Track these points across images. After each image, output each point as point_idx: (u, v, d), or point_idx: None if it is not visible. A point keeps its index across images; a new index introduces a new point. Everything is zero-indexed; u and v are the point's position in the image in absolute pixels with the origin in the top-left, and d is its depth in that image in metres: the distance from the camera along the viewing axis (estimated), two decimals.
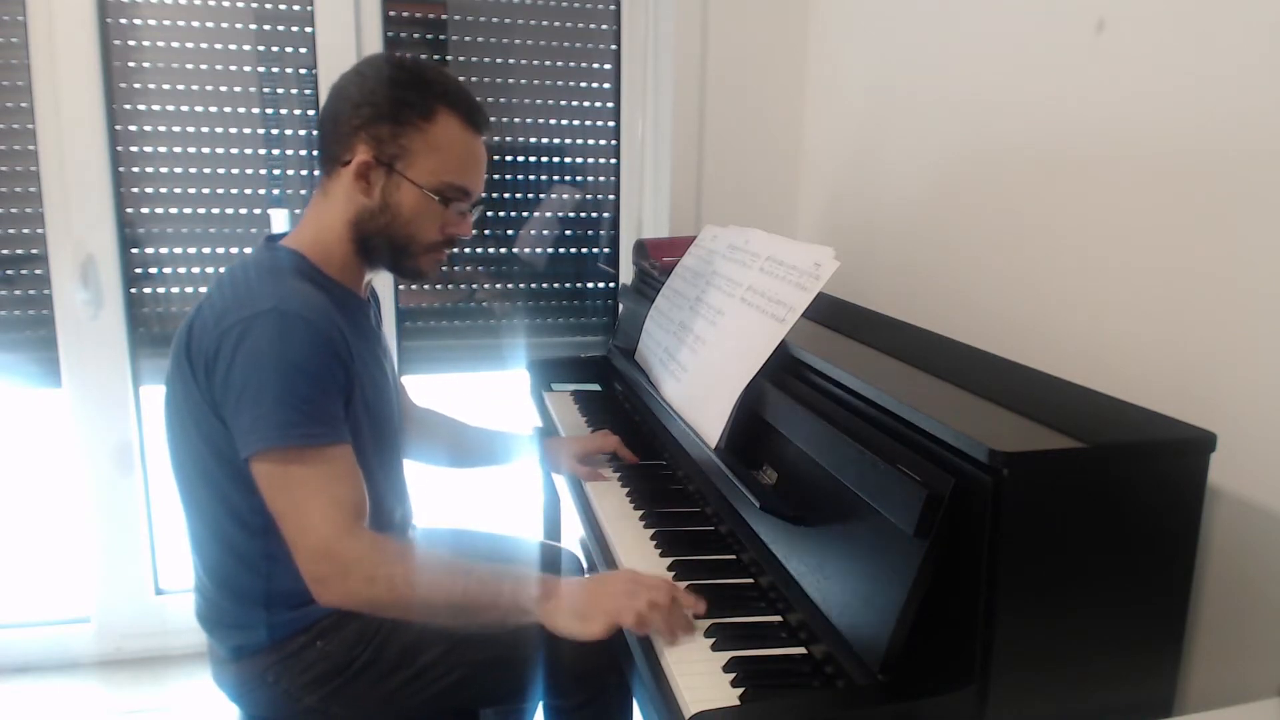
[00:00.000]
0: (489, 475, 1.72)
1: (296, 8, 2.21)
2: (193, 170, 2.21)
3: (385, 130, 1.21)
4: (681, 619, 1.07)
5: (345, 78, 1.26)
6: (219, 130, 2.21)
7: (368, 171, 1.22)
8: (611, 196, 2.50)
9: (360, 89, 1.22)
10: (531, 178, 2.42)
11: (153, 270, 2.24)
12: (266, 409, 1.11)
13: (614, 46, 2.41)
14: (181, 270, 2.25)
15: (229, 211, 2.24)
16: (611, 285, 2.52)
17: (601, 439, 1.60)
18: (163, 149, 2.19)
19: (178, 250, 2.24)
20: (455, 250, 1.35)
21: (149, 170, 2.19)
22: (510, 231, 2.44)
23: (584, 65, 2.41)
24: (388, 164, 1.22)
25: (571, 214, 2.48)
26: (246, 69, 2.21)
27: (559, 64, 2.38)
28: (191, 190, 2.22)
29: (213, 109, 2.20)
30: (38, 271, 2.16)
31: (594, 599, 1.11)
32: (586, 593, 1.13)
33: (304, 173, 2.29)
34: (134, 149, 2.18)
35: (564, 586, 1.14)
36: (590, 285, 2.53)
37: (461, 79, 2.26)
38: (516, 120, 2.38)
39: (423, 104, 1.22)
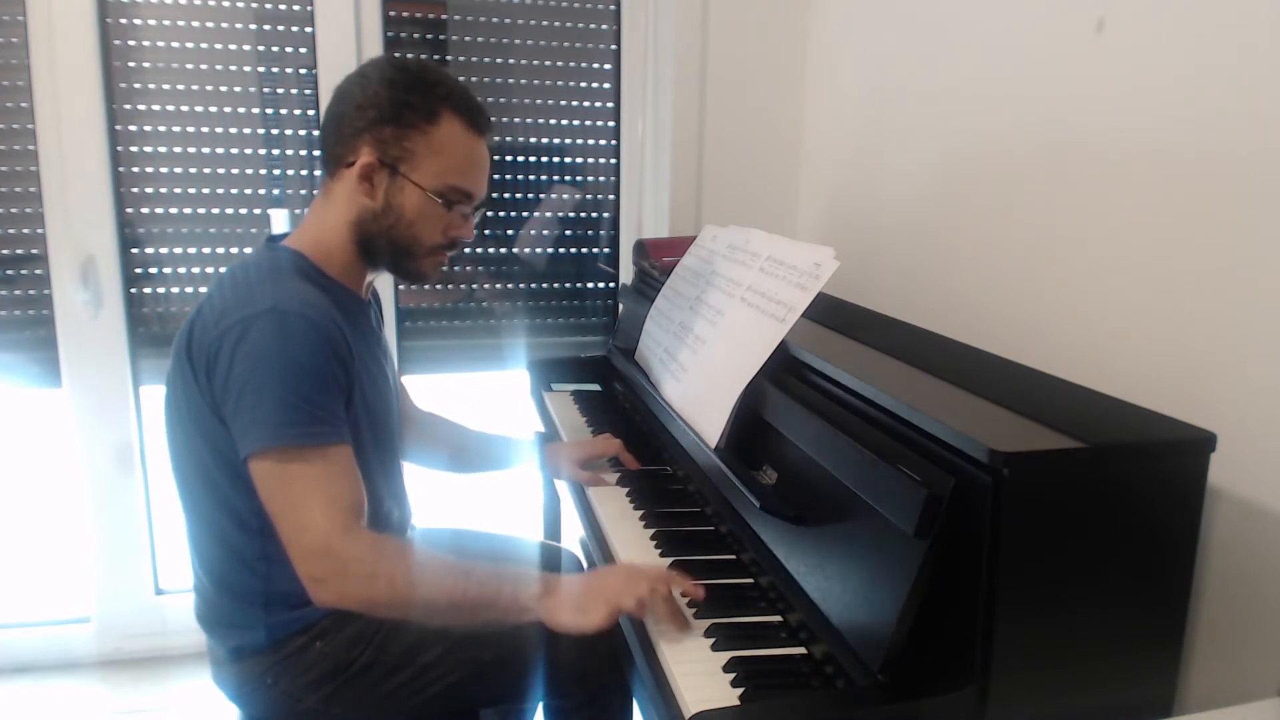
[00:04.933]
0: (489, 477, 1.72)
1: (296, 8, 2.21)
2: (193, 170, 2.21)
3: (389, 132, 1.22)
4: (679, 609, 1.09)
5: (349, 79, 1.26)
6: (219, 130, 2.21)
7: (371, 173, 1.23)
8: (611, 196, 2.50)
9: (363, 91, 1.22)
10: (531, 178, 2.42)
11: (153, 270, 2.24)
12: (266, 408, 1.10)
13: (614, 46, 2.41)
14: (181, 270, 2.25)
15: (229, 211, 2.24)
16: (611, 285, 2.52)
17: (603, 443, 1.59)
18: (163, 149, 2.19)
19: (178, 250, 2.24)
20: (456, 251, 1.36)
21: (149, 170, 2.19)
22: (510, 231, 2.44)
23: (584, 65, 2.40)
24: (391, 166, 1.23)
25: (571, 214, 2.48)
26: (246, 69, 2.21)
27: (559, 64, 2.38)
28: (191, 190, 2.21)
29: (213, 109, 2.19)
30: (38, 271, 2.16)
31: (592, 591, 1.13)
32: (584, 586, 1.15)
33: (304, 173, 2.29)
34: (134, 149, 2.18)
35: (562, 583, 1.16)
36: (590, 285, 2.53)
37: (461, 79, 2.27)
38: (516, 120, 2.38)
39: (426, 107, 1.22)
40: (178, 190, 2.21)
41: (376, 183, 1.23)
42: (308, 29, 2.21)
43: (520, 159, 2.40)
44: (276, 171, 2.26)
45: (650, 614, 1.09)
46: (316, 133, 2.25)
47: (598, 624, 1.10)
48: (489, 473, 1.67)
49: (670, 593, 1.10)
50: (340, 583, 1.11)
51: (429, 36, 2.32)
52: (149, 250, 2.23)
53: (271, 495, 1.13)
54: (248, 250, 2.22)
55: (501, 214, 2.41)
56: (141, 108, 2.16)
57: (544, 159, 2.42)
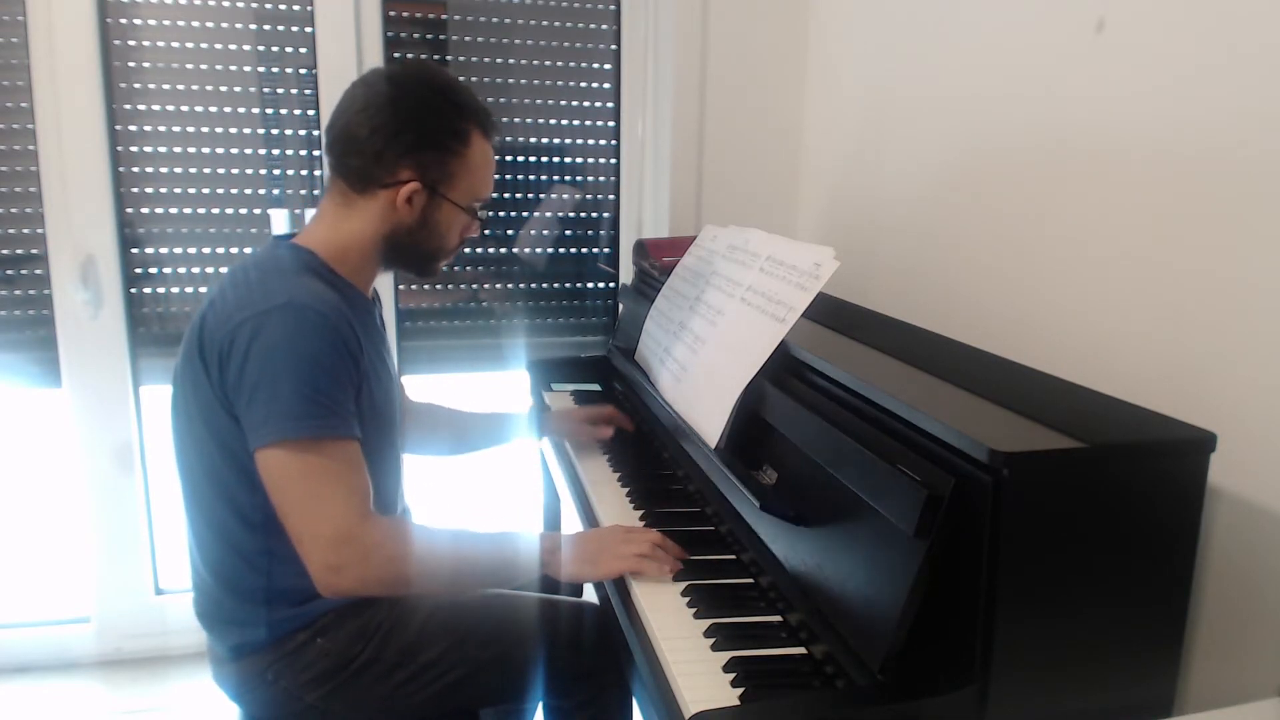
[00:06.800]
0: (488, 476, 1.73)
1: (296, 8, 2.21)
2: (193, 170, 2.21)
3: (430, 157, 1.26)
4: (675, 560, 1.22)
5: (376, 94, 1.25)
6: (219, 130, 2.21)
7: (413, 195, 1.26)
8: (611, 196, 2.50)
9: (396, 113, 1.24)
10: (531, 178, 2.42)
11: (153, 270, 2.24)
12: (282, 402, 1.12)
13: (614, 46, 2.41)
14: (181, 270, 2.25)
15: (229, 211, 2.24)
16: (611, 285, 2.52)
17: (598, 408, 1.71)
18: (163, 149, 2.19)
19: (178, 250, 2.24)
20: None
21: (149, 170, 2.19)
22: (510, 231, 2.44)
23: (584, 65, 2.40)
24: (431, 187, 1.27)
25: (571, 214, 2.48)
26: (246, 69, 2.21)
27: (559, 64, 2.38)
28: (191, 190, 2.21)
29: (213, 109, 2.19)
30: (38, 271, 2.16)
31: (598, 546, 1.23)
32: (589, 541, 1.25)
33: (304, 173, 2.29)
34: (134, 149, 2.18)
35: (567, 539, 1.25)
36: (590, 285, 2.53)
37: (461, 79, 2.27)
38: (516, 120, 2.38)
39: (462, 129, 1.28)
40: (178, 190, 2.21)
41: (415, 202, 1.28)
42: (308, 29, 2.21)
43: (520, 159, 2.40)
44: (276, 171, 2.26)
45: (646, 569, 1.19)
46: (317, 133, 2.25)
47: (606, 574, 1.20)
48: (490, 449, 1.72)
49: (662, 543, 1.22)
50: (361, 568, 1.15)
51: (429, 36, 2.32)
52: (149, 250, 2.23)
53: (284, 488, 1.14)
54: (247, 250, 2.23)
55: (501, 214, 2.41)
56: (141, 108, 2.16)
57: (544, 159, 2.42)
